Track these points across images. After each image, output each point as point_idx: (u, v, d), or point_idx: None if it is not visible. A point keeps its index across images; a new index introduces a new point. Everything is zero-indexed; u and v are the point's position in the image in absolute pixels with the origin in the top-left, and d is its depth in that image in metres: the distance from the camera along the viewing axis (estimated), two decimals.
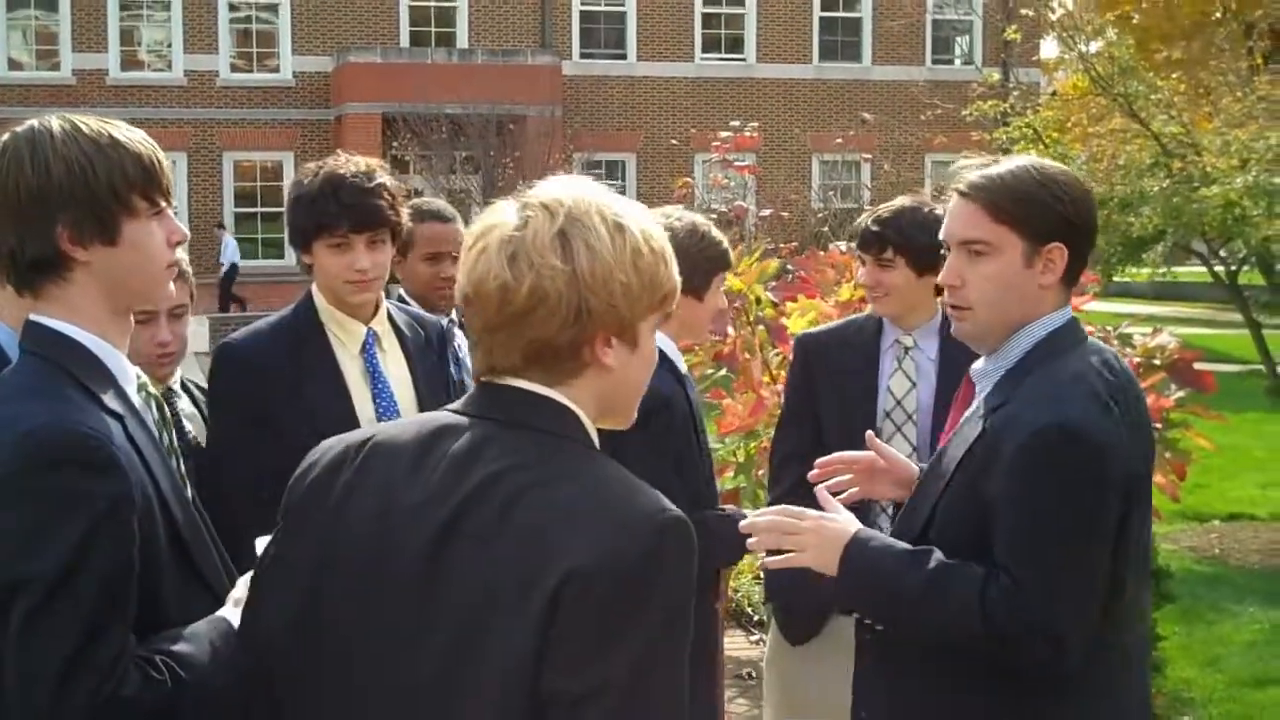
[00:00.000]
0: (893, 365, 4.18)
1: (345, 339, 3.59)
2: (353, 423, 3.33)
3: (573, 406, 1.97)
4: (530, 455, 1.92)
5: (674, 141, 27.43)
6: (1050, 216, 2.68)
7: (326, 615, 1.99)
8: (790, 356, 4.48)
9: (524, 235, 1.93)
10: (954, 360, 4.06)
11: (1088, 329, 5.89)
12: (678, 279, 2.04)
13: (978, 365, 2.82)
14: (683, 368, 4.00)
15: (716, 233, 3.96)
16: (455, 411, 2.04)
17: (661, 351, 3.87)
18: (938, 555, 2.62)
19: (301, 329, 3.60)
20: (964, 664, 2.66)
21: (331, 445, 2.12)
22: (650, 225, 2.01)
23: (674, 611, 1.84)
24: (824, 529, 2.71)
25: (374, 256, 3.52)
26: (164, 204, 2.36)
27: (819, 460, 3.11)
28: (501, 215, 1.99)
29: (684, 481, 3.62)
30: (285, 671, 2.06)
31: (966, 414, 2.78)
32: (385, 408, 3.55)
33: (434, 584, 1.90)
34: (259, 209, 31.05)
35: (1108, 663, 2.68)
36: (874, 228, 4.03)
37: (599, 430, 2.02)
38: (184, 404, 3.54)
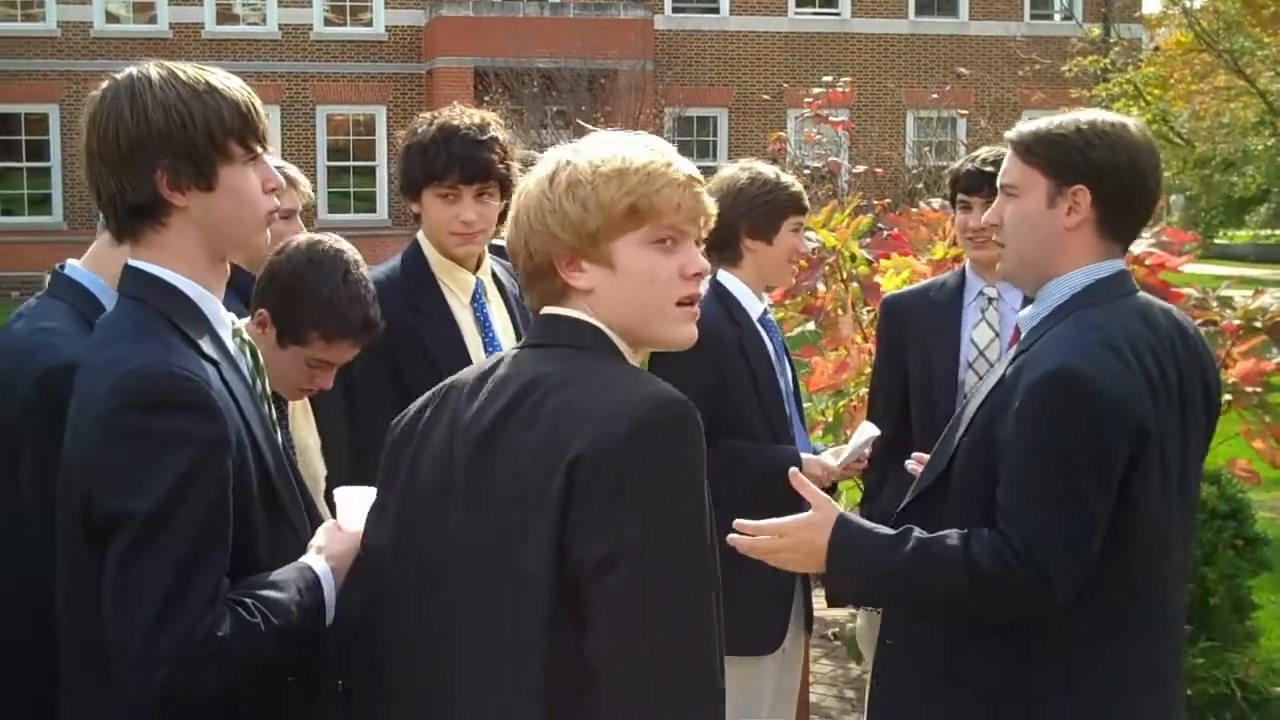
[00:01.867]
0: (976, 316, 4.22)
1: (457, 289, 3.65)
2: None
3: (589, 319, 2.19)
4: (552, 367, 2.14)
5: (765, 97, 27.25)
6: (1074, 158, 2.72)
7: (413, 537, 2.22)
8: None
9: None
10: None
11: (1187, 289, 5.85)
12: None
13: (1023, 312, 2.88)
14: (754, 312, 4.03)
15: (787, 178, 4.03)
16: (515, 347, 2.30)
17: (722, 290, 4.00)
18: (917, 532, 2.68)
19: (416, 279, 3.64)
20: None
21: (414, 403, 2.35)
22: (608, 154, 2.19)
23: (672, 483, 2.02)
24: (801, 541, 2.75)
25: (481, 209, 3.58)
26: (260, 149, 2.38)
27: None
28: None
29: (726, 415, 3.82)
30: (385, 591, 2.26)
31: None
32: None
33: (481, 482, 2.12)
34: (351, 163, 31.25)
35: (1096, 624, 2.69)
36: (987, 168, 4.00)
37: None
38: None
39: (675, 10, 32.41)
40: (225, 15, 31.18)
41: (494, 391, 2.17)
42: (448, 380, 2.32)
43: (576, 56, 26.47)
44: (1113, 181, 2.72)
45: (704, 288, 2.30)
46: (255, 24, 31.35)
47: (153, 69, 2.33)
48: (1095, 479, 2.59)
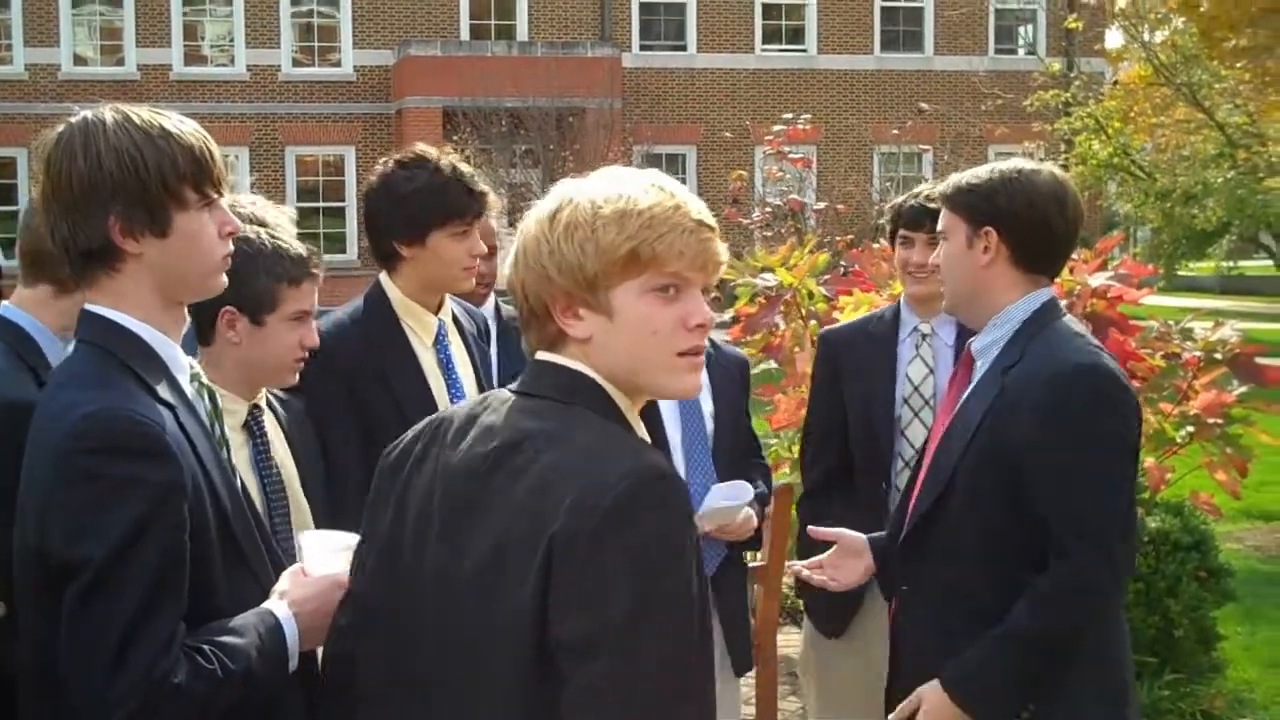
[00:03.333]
0: (911, 352, 4.24)
1: (420, 331, 3.68)
2: (435, 410, 3.38)
3: (583, 370, 2.09)
4: (538, 423, 2.06)
5: (727, 134, 27.33)
6: (983, 204, 3.10)
7: (394, 578, 2.17)
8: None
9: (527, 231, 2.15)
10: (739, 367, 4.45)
11: (1149, 322, 5.88)
12: (641, 240, 2.05)
13: (975, 342, 3.17)
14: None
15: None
16: (508, 390, 2.20)
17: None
18: (986, 639, 2.94)
19: (379, 320, 3.66)
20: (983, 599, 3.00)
21: (407, 433, 2.28)
22: (612, 193, 2.07)
23: (654, 559, 1.91)
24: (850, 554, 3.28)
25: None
26: (215, 195, 2.37)
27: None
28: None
29: None
30: (373, 627, 2.21)
31: (973, 384, 3.12)
32: (457, 396, 3.64)
33: (461, 531, 2.06)
34: (320, 204, 31.23)
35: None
36: (930, 204, 4.02)
37: None
38: (269, 424, 3.23)
39: (643, 48, 32.57)
40: (193, 57, 31.18)
41: (480, 439, 2.10)
42: (439, 414, 2.28)
43: (544, 95, 26.55)
44: (1015, 222, 3.08)
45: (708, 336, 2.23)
46: (223, 65, 31.36)
47: (107, 113, 2.32)
48: (1130, 460, 3.01)
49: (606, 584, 1.89)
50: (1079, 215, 3.19)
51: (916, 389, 4.18)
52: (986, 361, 3.10)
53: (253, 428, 3.05)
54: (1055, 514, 2.89)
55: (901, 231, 4.25)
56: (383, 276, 3.72)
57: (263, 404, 3.14)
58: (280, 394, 3.25)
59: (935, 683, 2.98)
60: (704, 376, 4.13)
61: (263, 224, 3.15)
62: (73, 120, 2.33)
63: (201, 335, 3.07)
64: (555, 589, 1.91)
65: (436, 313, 3.71)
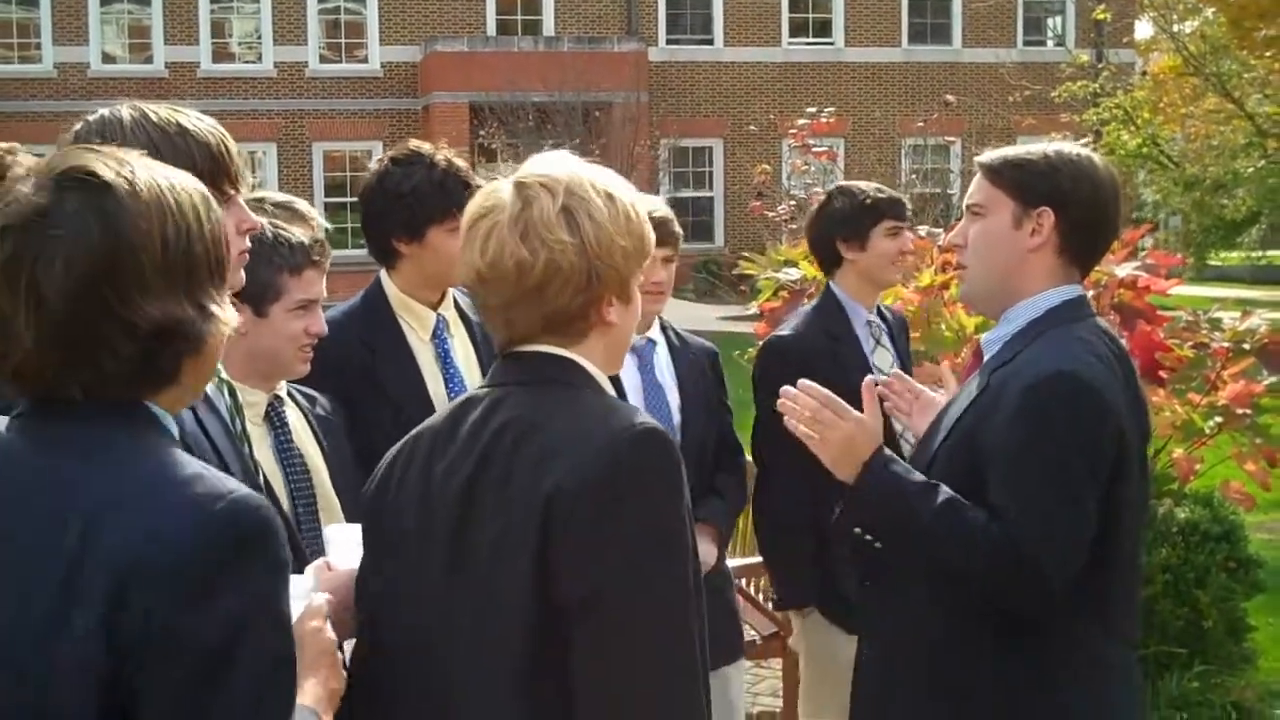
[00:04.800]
0: (871, 343, 4.39)
1: (417, 326, 3.68)
2: (429, 406, 3.37)
3: (582, 361, 2.16)
4: (534, 404, 2.11)
5: (751, 127, 27.28)
6: (1040, 181, 2.83)
7: (396, 587, 2.19)
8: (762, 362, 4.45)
9: (532, 213, 2.10)
10: (899, 324, 4.62)
11: (1177, 312, 5.85)
12: (652, 235, 2.22)
13: (987, 334, 2.96)
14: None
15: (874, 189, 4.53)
16: (480, 388, 2.24)
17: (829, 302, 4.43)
18: (946, 490, 2.70)
19: (374, 317, 3.67)
20: (959, 598, 2.77)
21: (395, 446, 2.29)
22: (630, 190, 2.19)
23: (650, 512, 2.00)
24: (856, 436, 2.79)
25: None
26: (233, 191, 2.37)
27: (892, 383, 3.28)
28: (500, 196, 2.15)
29: None
30: (375, 645, 2.23)
31: (969, 379, 2.93)
32: (457, 391, 3.62)
33: (463, 534, 2.09)
34: (348, 199, 31.31)
35: (1086, 628, 2.76)
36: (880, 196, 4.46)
37: None
38: (292, 415, 3.22)
39: (669, 42, 32.54)
40: (221, 54, 31.30)
41: (468, 441, 2.14)
42: (416, 430, 2.28)
43: (571, 89, 26.56)
44: (1075, 207, 2.84)
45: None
46: (251, 62, 31.46)
47: (125, 110, 2.33)
48: (1090, 479, 2.67)
49: (605, 539, 1.96)
50: (1122, 212, 3.00)
51: (886, 375, 4.29)
52: (990, 356, 2.91)
53: (274, 419, 3.05)
54: (1004, 523, 2.65)
55: (891, 223, 4.39)
56: (382, 273, 3.73)
57: (283, 394, 3.13)
58: (309, 391, 3.25)
59: (879, 438, 2.77)
60: (669, 367, 4.15)
61: (290, 209, 3.14)
62: (90, 118, 2.34)
63: None
64: (554, 549, 1.97)
65: (436, 307, 3.71)
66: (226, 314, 1.78)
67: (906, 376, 3.37)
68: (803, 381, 2.87)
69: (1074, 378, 2.66)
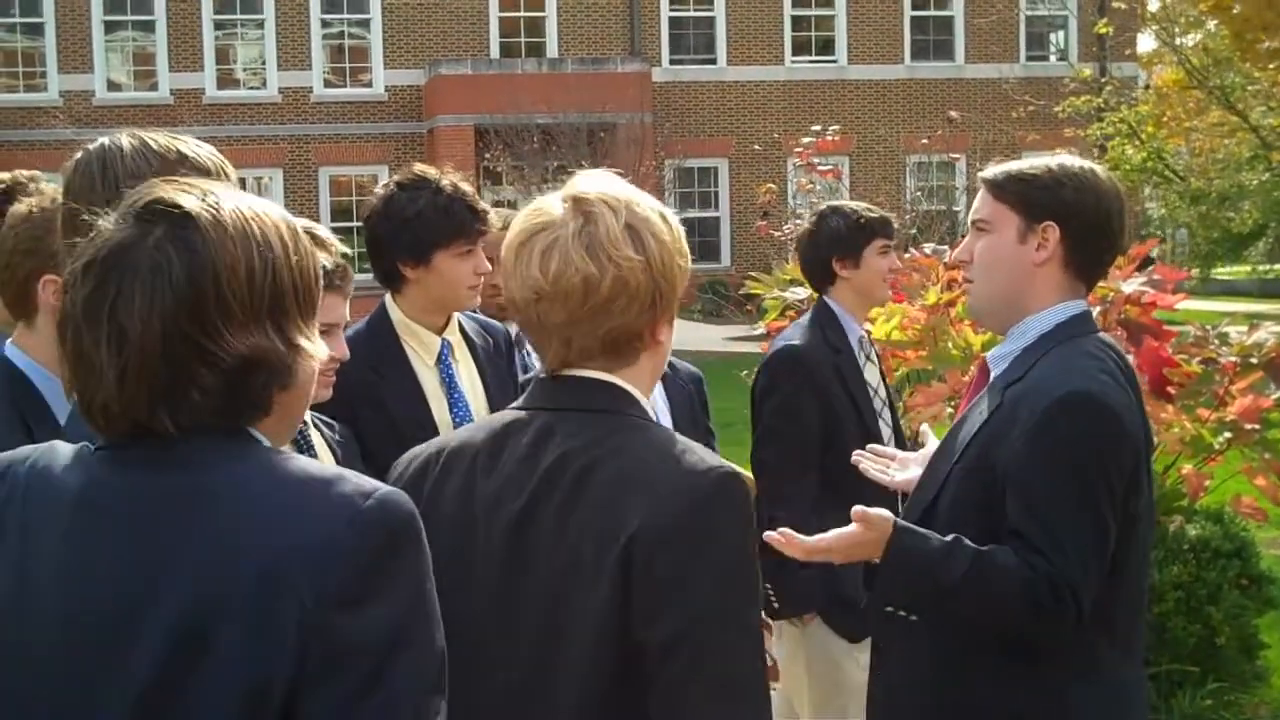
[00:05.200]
0: (863, 359, 4.50)
1: (422, 350, 3.68)
2: (433, 430, 3.38)
3: (628, 387, 2.11)
4: (593, 434, 2.05)
5: (755, 147, 27.31)
6: (1044, 195, 2.83)
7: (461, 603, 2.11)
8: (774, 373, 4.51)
9: (598, 230, 2.06)
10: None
11: (1184, 326, 5.82)
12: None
13: (993, 350, 2.95)
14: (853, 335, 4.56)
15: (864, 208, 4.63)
16: (519, 408, 2.18)
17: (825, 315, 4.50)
18: (967, 546, 2.66)
19: (379, 341, 3.67)
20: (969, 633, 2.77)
21: (412, 458, 2.24)
22: (661, 207, 2.15)
23: (731, 557, 1.98)
24: (866, 535, 2.67)
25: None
26: None
27: (870, 449, 3.30)
28: (553, 212, 2.10)
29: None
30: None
31: (977, 396, 2.91)
32: (461, 415, 3.64)
33: (520, 561, 2.04)
34: (354, 223, 31.34)
35: (1107, 646, 2.75)
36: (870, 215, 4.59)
37: None
38: (316, 439, 3.21)
39: (673, 62, 32.59)
40: (226, 80, 31.37)
41: (522, 463, 2.08)
42: (443, 446, 2.22)
43: (575, 111, 26.59)
44: (1080, 220, 2.83)
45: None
46: (256, 88, 31.55)
47: (124, 138, 2.34)
48: (1111, 500, 2.66)
49: (688, 582, 1.94)
50: (1126, 224, 2.97)
51: (875, 392, 4.45)
52: (998, 373, 2.90)
53: (301, 445, 3.05)
54: (1027, 546, 2.64)
55: (882, 242, 4.51)
56: (387, 298, 3.74)
57: (307, 419, 3.11)
58: (323, 416, 3.24)
59: (889, 523, 2.66)
60: (662, 393, 4.20)
61: (307, 234, 3.13)
62: (90, 147, 2.35)
63: None
64: (635, 590, 1.94)
65: (441, 332, 3.71)
66: (316, 347, 1.74)
67: (880, 447, 3.40)
68: (871, 446, 3.06)
69: (1091, 398, 2.66)
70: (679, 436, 2.12)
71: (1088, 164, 2.94)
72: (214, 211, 1.67)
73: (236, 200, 1.72)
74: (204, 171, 2.33)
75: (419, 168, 3.74)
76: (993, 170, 2.96)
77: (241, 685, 1.55)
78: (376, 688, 1.57)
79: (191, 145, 2.37)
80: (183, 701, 1.56)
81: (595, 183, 2.14)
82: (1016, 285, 2.86)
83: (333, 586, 1.56)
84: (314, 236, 3.18)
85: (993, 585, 2.64)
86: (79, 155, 2.35)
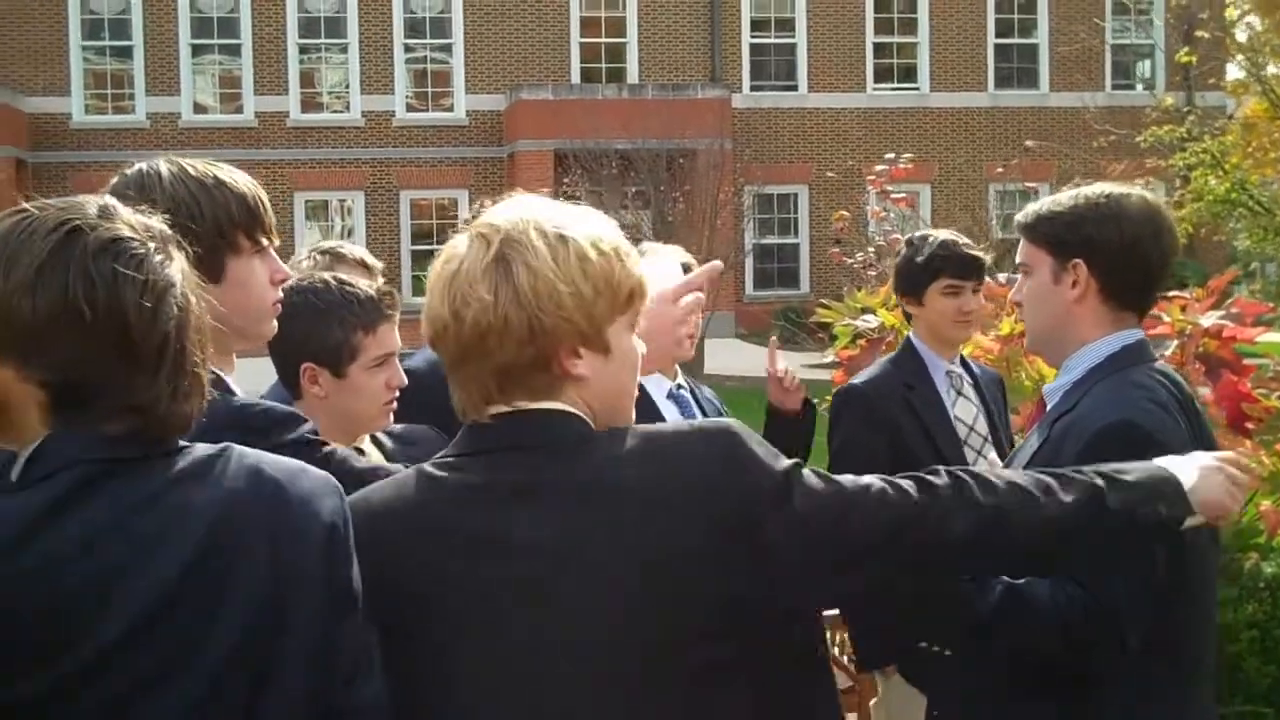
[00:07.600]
0: (953, 395, 4.38)
1: None
2: None
3: (573, 409, 2.01)
4: (566, 465, 1.97)
5: (830, 174, 27.23)
6: (1068, 232, 2.86)
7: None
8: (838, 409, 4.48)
9: (458, 269, 1.98)
10: (989, 380, 4.59)
11: (1263, 360, 5.72)
12: (639, 275, 2.06)
13: (1050, 384, 2.98)
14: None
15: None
16: (453, 455, 2.05)
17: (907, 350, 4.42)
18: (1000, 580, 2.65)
19: None
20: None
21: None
22: (600, 228, 2.04)
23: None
24: None
25: None
26: (266, 242, 2.42)
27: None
28: (452, 248, 2.03)
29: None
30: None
31: (1033, 429, 2.94)
32: None
33: (555, 603, 1.94)
34: (434, 246, 31.55)
35: (1169, 677, 2.73)
36: (971, 251, 4.51)
37: None
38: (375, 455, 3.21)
39: (753, 88, 32.60)
40: (310, 104, 31.76)
41: (518, 502, 1.95)
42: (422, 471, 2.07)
43: (654, 137, 26.66)
44: (1104, 252, 2.85)
45: None
46: (339, 112, 31.91)
47: (163, 164, 2.40)
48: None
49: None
50: (1174, 244, 2.93)
51: (972, 429, 4.27)
52: (1051, 405, 2.92)
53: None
54: (1076, 576, 2.62)
55: (948, 281, 4.36)
56: None
57: (364, 445, 3.12)
58: (397, 428, 3.23)
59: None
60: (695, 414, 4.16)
61: (337, 254, 3.15)
62: (128, 172, 2.39)
63: (290, 389, 3.07)
64: (769, 562, 1.94)
65: None
66: None
67: None
68: None
69: (1134, 427, 2.65)
70: (653, 429, 2.04)
71: (1116, 189, 2.93)
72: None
73: None
74: (240, 197, 2.38)
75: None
76: (1024, 212, 3.01)
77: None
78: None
79: (227, 171, 2.42)
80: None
81: (493, 212, 2.04)
82: (1060, 323, 2.91)
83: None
84: (340, 255, 3.20)
85: (1027, 619, 2.63)
86: (115, 180, 2.39)
